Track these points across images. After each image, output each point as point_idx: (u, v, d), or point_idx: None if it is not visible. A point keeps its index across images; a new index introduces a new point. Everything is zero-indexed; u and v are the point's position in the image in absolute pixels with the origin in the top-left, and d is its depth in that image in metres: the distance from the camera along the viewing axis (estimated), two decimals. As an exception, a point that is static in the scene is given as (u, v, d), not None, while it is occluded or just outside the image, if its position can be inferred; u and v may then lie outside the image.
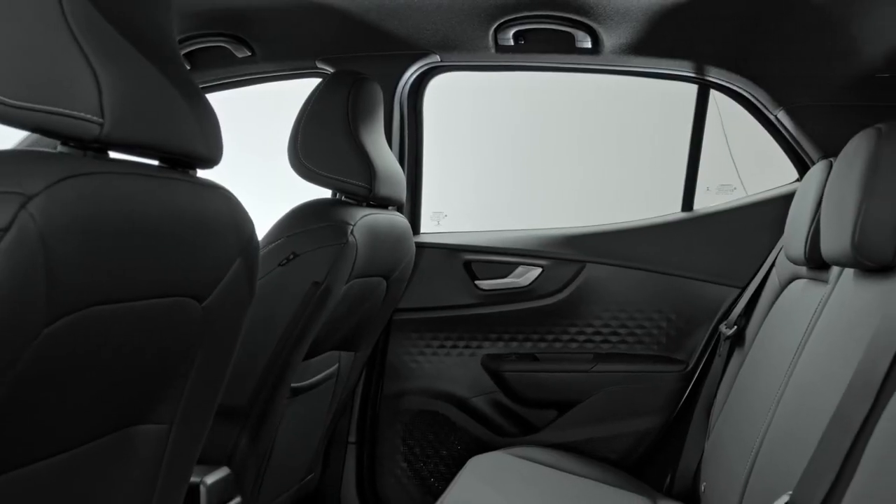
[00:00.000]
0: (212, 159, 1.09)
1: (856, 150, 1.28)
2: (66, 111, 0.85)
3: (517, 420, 2.32)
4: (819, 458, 1.09)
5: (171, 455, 1.20)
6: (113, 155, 0.96)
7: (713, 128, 2.28)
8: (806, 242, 1.57)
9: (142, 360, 1.04)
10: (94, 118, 0.86)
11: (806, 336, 1.46)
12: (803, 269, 1.70)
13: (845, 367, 1.15)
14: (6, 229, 0.74)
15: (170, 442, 1.19)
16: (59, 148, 0.91)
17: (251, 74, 2.31)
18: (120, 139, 0.89)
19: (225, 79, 2.30)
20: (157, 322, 1.02)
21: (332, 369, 1.98)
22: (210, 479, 1.47)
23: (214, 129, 1.09)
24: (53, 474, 0.99)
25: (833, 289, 1.43)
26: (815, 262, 1.56)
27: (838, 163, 1.37)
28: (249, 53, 2.18)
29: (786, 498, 1.12)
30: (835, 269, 1.47)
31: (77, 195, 0.82)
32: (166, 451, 1.19)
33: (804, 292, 1.65)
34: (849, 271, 1.37)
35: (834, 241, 1.29)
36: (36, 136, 2.19)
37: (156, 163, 1.04)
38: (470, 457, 2.04)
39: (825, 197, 1.40)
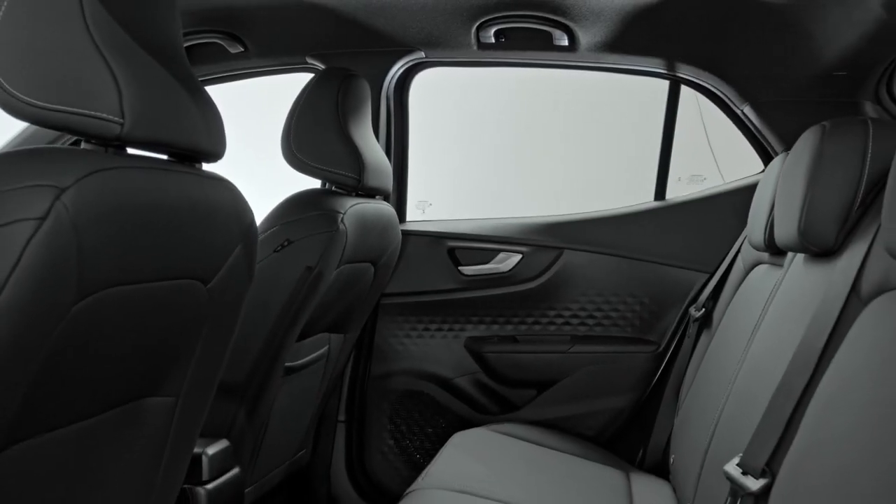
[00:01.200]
0: (216, 154, 1.19)
1: (803, 145, 1.40)
2: (91, 112, 0.95)
3: (498, 399, 2.41)
4: (766, 422, 1.21)
5: (177, 426, 1.29)
6: (129, 151, 1.06)
7: (687, 121, 2.39)
8: (765, 230, 1.68)
9: (153, 336, 1.14)
10: (116, 118, 0.96)
11: (762, 316, 1.58)
12: (765, 255, 1.81)
13: (791, 342, 1.27)
14: (44, 218, 0.83)
15: (176, 413, 1.28)
16: (83, 145, 1.01)
17: (244, 69, 2.38)
18: (138, 137, 0.99)
19: (219, 73, 2.38)
20: (168, 302, 1.12)
21: (322, 350, 2.07)
22: (211, 450, 1.56)
23: (218, 125, 1.19)
24: (74, 440, 1.09)
25: (786, 272, 1.55)
26: (773, 249, 1.67)
27: (789, 157, 1.48)
28: (242, 49, 2.25)
29: (737, 460, 1.24)
30: (790, 255, 1.59)
31: (102, 187, 0.91)
32: (173, 422, 1.28)
33: (764, 276, 1.77)
34: (800, 256, 1.49)
35: (784, 229, 1.41)
36: (32, 129, 2.29)
37: (164, 157, 1.14)
38: (454, 434, 2.15)
39: (778, 188, 1.52)
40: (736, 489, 1.20)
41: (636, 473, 2.12)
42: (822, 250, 1.32)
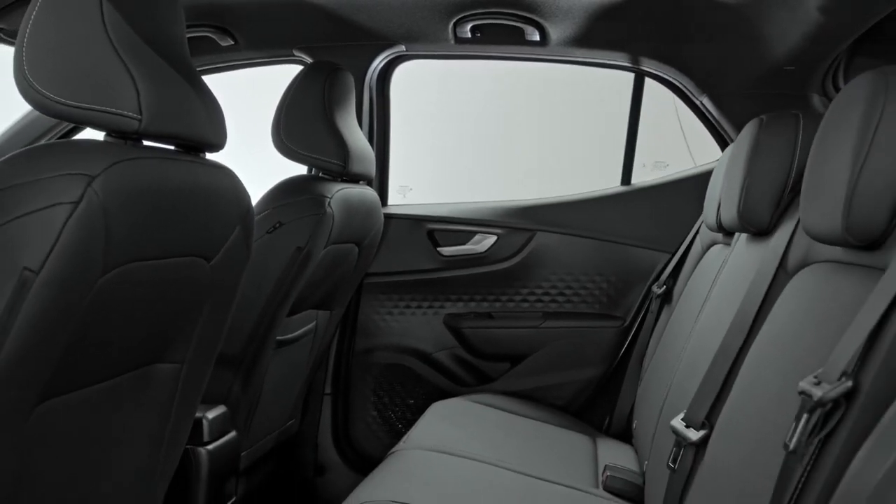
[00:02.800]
0: (218, 144, 1.32)
1: (744, 136, 1.56)
2: (113, 109, 1.08)
3: (475, 371, 2.56)
4: (706, 382, 1.37)
5: (182, 390, 1.42)
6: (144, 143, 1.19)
7: (651, 111, 2.53)
8: (717, 213, 1.84)
9: (162, 308, 1.27)
10: (134, 115, 1.09)
11: (710, 290, 1.74)
12: (719, 236, 1.96)
13: (731, 311, 1.43)
14: (78, 202, 0.97)
15: (181, 379, 1.41)
16: (105, 138, 1.14)
17: (234, 61, 2.49)
18: (153, 131, 1.13)
19: (210, 65, 2.49)
20: (176, 277, 1.26)
21: (310, 326, 2.21)
22: (211, 415, 1.70)
23: (220, 118, 1.32)
24: (94, 400, 1.22)
25: (732, 251, 1.71)
26: (724, 230, 1.84)
27: (733, 146, 1.64)
28: (233, 42, 2.37)
29: (681, 415, 1.40)
30: (736, 235, 1.75)
31: (124, 175, 1.05)
32: (178, 387, 1.42)
33: (718, 255, 1.93)
34: (743, 236, 1.66)
35: (728, 211, 1.57)
36: (32, 116, 2.40)
37: (172, 147, 1.27)
38: (433, 403, 2.29)
39: (724, 174, 1.68)
40: (680, 440, 1.36)
41: (602, 438, 2.28)
42: (758, 230, 1.48)
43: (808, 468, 0.79)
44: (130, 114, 1.09)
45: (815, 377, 0.82)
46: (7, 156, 1.02)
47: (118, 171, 1.03)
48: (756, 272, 1.37)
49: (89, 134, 1.20)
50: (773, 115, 1.51)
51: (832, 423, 0.77)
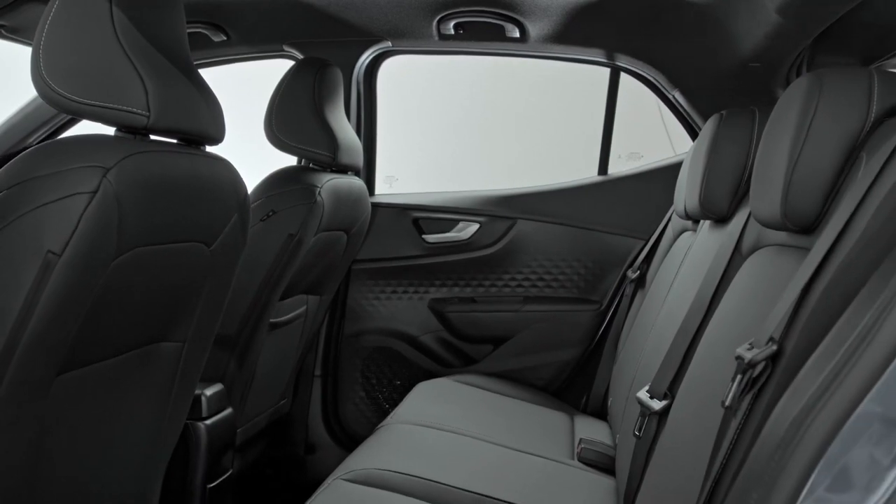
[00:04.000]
0: (217, 138, 1.42)
1: (706, 130, 1.68)
2: (124, 107, 1.18)
3: (459, 354, 2.67)
4: (668, 357, 1.49)
5: (183, 367, 1.53)
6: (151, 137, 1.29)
7: (626, 104, 2.64)
8: (685, 201, 1.96)
9: (167, 289, 1.38)
10: (143, 112, 1.20)
11: (677, 274, 1.86)
12: (689, 223, 2.08)
13: (692, 292, 1.55)
14: (95, 192, 1.07)
15: (182, 357, 1.52)
16: (115, 132, 1.24)
17: (226, 56, 2.58)
18: (159, 127, 1.23)
19: (203, 59, 2.58)
20: (179, 260, 1.36)
21: (301, 310, 2.31)
22: (209, 392, 1.80)
23: (219, 113, 1.42)
24: (106, 374, 1.32)
25: (696, 237, 1.83)
26: (691, 217, 1.95)
27: (698, 139, 1.76)
28: (225, 38, 2.46)
29: (647, 388, 1.52)
30: (701, 222, 1.87)
31: (135, 167, 1.15)
32: (180, 364, 1.52)
33: (686, 241, 2.04)
34: (706, 223, 1.78)
35: (691, 200, 1.69)
36: (35, 104, 2.48)
37: (175, 141, 1.37)
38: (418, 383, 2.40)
39: (689, 165, 1.79)
40: (644, 410, 1.48)
41: (579, 416, 2.40)
42: (718, 217, 1.60)
43: (742, 423, 0.91)
44: (139, 111, 1.19)
45: (750, 344, 0.94)
46: (27, 151, 1.12)
47: (130, 164, 1.14)
48: (714, 256, 1.49)
49: (87, 125, 1.29)
50: (731, 111, 1.63)
51: (760, 381, 0.89)
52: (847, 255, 0.87)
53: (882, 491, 0.70)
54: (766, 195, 1.14)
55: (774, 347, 0.89)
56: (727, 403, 0.91)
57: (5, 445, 1.13)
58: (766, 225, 1.17)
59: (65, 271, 1.06)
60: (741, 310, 1.26)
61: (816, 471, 0.71)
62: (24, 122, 2.56)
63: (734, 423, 0.92)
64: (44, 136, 2.60)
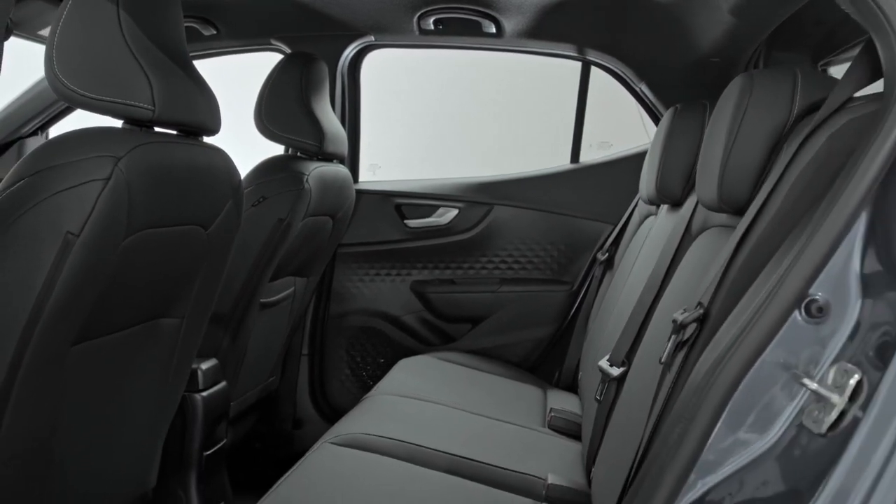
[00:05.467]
0: (214, 129, 1.54)
1: (663, 122, 1.82)
2: (130, 102, 1.30)
3: (439, 332, 2.81)
4: (626, 329, 1.64)
5: (182, 342, 1.65)
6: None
7: (598, 96, 2.77)
8: (646, 188, 2.10)
9: (168, 269, 1.50)
10: (148, 106, 1.32)
11: (638, 255, 2.01)
12: (653, 208, 2.22)
13: (649, 270, 1.70)
14: (108, 179, 1.20)
15: (181, 332, 1.64)
16: (123, 125, 1.37)
17: (216, 49, 2.69)
18: (163, 120, 1.35)
19: (193, 52, 2.68)
20: (179, 242, 1.48)
21: (289, 291, 2.44)
22: (205, 366, 1.92)
23: (215, 107, 1.54)
24: (115, 345, 1.44)
25: (656, 220, 1.98)
26: (653, 203, 2.10)
27: (656, 131, 1.90)
28: (215, 32, 2.57)
29: (607, 356, 1.67)
30: (661, 206, 2.02)
31: (142, 156, 1.28)
32: (179, 339, 1.64)
33: (650, 225, 2.19)
34: (664, 207, 1.92)
35: (649, 186, 1.83)
36: (38, 89, 2.59)
37: (175, 133, 1.48)
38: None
39: (648, 154, 1.94)
40: (605, 377, 1.63)
41: (552, 390, 2.55)
42: (673, 202, 1.75)
43: (676, 376, 1.06)
44: (145, 105, 1.31)
45: (684, 309, 1.09)
46: (45, 143, 1.24)
47: (138, 153, 1.26)
48: (668, 237, 1.64)
49: (80, 116, 1.40)
50: (685, 105, 1.77)
51: (690, 340, 1.04)
52: (763, 232, 1.02)
53: (779, 426, 0.85)
54: (707, 181, 1.29)
55: (702, 311, 1.04)
56: (663, 360, 1.06)
57: (29, 412, 1.25)
58: (708, 208, 1.32)
59: (82, 251, 1.19)
60: (688, 284, 1.41)
61: (727, 409, 0.86)
62: (18, 112, 2.67)
63: (669, 377, 1.07)
64: (38, 125, 2.71)
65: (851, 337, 0.83)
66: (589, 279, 2.71)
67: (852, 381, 0.78)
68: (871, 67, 1.01)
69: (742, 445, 0.85)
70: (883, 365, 0.77)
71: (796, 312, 0.84)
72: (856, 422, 0.76)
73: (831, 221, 0.84)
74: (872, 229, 0.84)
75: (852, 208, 0.84)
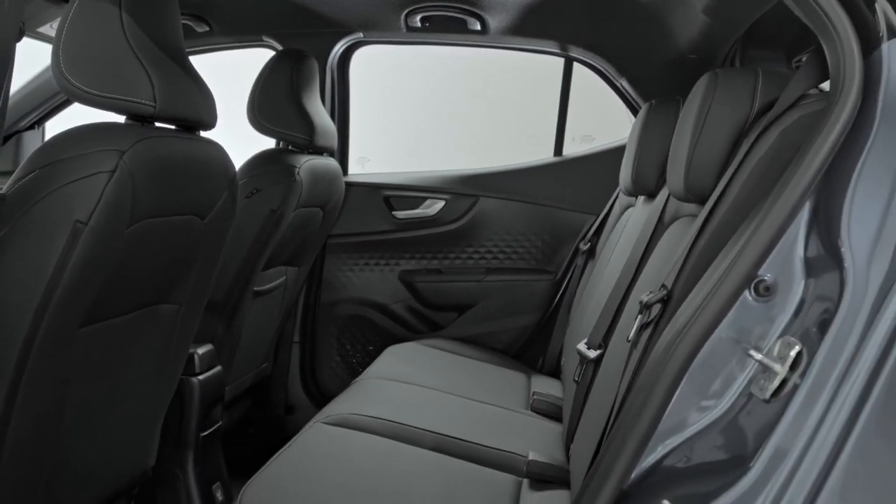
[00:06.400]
0: (211, 124, 1.62)
1: (639, 117, 1.91)
2: (133, 99, 1.38)
3: (426, 320, 2.88)
4: (603, 313, 1.72)
5: (180, 327, 1.72)
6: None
7: (582, 91, 2.85)
8: (625, 180, 2.19)
9: (167, 256, 1.57)
10: (150, 103, 1.39)
11: (617, 243, 2.10)
12: (634, 199, 2.31)
13: (625, 258, 1.79)
14: (114, 171, 1.27)
15: (179, 317, 1.71)
16: (125, 121, 1.44)
17: (209, 45, 2.76)
18: (163, 115, 1.43)
19: (186, 49, 2.74)
20: (178, 231, 1.55)
21: (281, 280, 2.52)
22: (201, 351, 1.99)
23: (212, 102, 1.61)
24: (118, 329, 1.51)
25: (634, 210, 2.07)
26: (631, 194, 2.19)
27: (633, 125, 1.99)
28: (208, 29, 2.64)
29: (585, 339, 1.75)
30: (639, 197, 2.11)
31: (145, 150, 1.35)
32: (177, 324, 1.71)
33: (629, 215, 2.28)
34: (641, 198, 2.01)
35: (625, 178, 1.92)
36: (42, 79, 2.65)
37: (173, 127, 1.56)
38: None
39: (626, 148, 2.03)
40: (583, 359, 1.72)
41: (536, 375, 2.64)
42: (647, 193, 1.84)
43: (641, 354, 1.15)
44: (147, 102, 1.39)
45: (650, 291, 1.18)
46: (53, 137, 1.31)
47: (141, 147, 1.33)
48: (643, 226, 1.73)
49: (76, 111, 1.45)
50: (660, 100, 1.86)
51: (655, 319, 1.13)
52: (721, 219, 1.11)
53: (731, 394, 0.94)
54: (675, 173, 1.37)
55: (665, 293, 1.13)
56: (630, 339, 1.15)
57: (38, 391, 1.32)
58: (677, 198, 1.41)
59: (90, 238, 1.26)
60: (658, 270, 1.50)
61: (683, 380, 0.95)
62: (16, 106, 2.72)
63: (635, 354, 1.16)
64: (34, 120, 2.77)
65: (796, 313, 0.92)
66: (572, 268, 2.79)
67: (793, 353, 0.87)
68: (820, 69, 1.10)
69: (698, 412, 0.95)
70: (821, 337, 0.86)
71: (746, 292, 0.93)
72: (795, 388, 0.85)
73: (779, 209, 0.93)
74: (815, 216, 0.93)
75: (797, 197, 0.92)
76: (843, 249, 0.86)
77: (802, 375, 0.85)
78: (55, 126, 2.82)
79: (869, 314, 0.83)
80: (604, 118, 2.90)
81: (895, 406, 0.81)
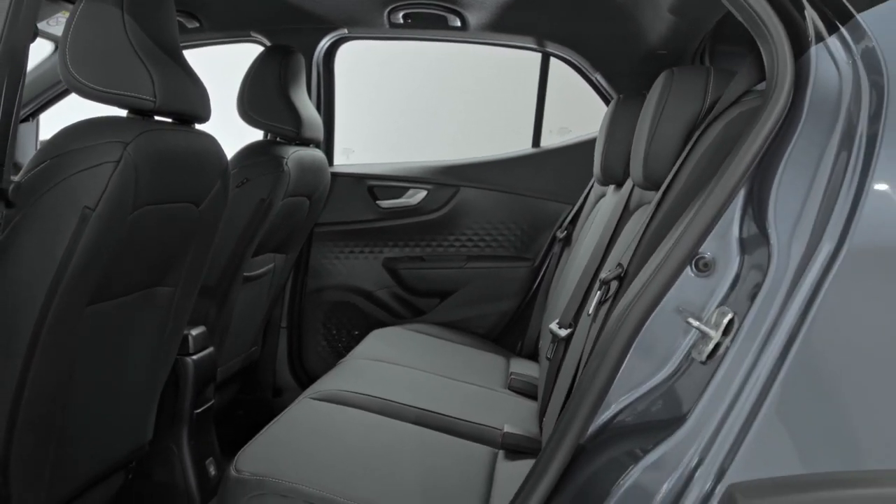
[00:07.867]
0: (205, 117, 1.72)
1: (608, 110, 2.03)
2: (134, 94, 1.48)
3: (410, 306, 2.99)
4: (573, 295, 1.84)
5: (175, 309, 1.82)
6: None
7: (557, 84, 2.96)
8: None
9: (165, 241, 1.67)
10: (150, 98, 1.49)
11: (588, 230, 2.22)
12: (606, 189, 2.43)
13: (594, 243, 1.91)
14: (119, 161, 1.37)
15: (175, 300, 1.81)
16: (127, 114, 1.54)
17: (198, 41, 2.84)
18: (163, 110, 1.53)
19: (177, 43, 2.84)
20: (175, 218, 1.65)
21: (269, 266, 2.61)
22: (194, 332, 2.08)
23: (206, 97, 1.71)
24: (119, 310, 1.61)
25: (605, 199, 2.19)
26: (602, 183, 2.31)
27: (603, 117, 2.11)
28: (198, 25, 2.73)
29: (557, 320, 1.87)
30: (610, 187, 2.23)
31: (146, 141, 1.45)
32: (173, 306, 1.81)
33: (601, 204, 2.40)
34: (611, 186, 2.13)
35: (596, 169, 2.04)
36: (46, 66, 2.72)
37: (170, 121, 1.66)
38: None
39: (598, 140, 2.15)
40: (554, 338, 1.83)
41: (515, 358, 2.75)
42: (616, 182, 1.96)
43: (600, 326, 1.27)
44: (148, 97, 1.49)
45: (609, 270, 1.30)
46: (62, 129, 1.41)
47: (143, 139, 1.44)
48: (611, 214, 1.85)
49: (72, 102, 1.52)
50: (626, 95, 1.98)
51: (612, 295, 1.25)
52: (671, 204, 1.23)
53: (674, 359, 1.06)
54: (636, 163, 1.49)
55: (621, 270, 1.25)
56: (589, 313, 1.27)
57: (48, 367, 1.42)
58: (638, 186, 1.53)
59: (97, 223, 1.36)
60: (623, 253, 1.62)
61: (633, 347, 1.07)
62: (40, 80, 2.80)
63: (595, 327, 1.28)
64: (29, 112, 2.85)
65: (732, 286, 1.04)
66: (549, 256, 2.90)
67: (726, 320, 0.99)
68: (759, 69, 1.22)
69: (646, 375, 1.07)
70: (750, 305, 0.98)
71: (688, 268, 1.05)
72: (726, 350, 0.97)
73: (717, 194, 1.05)
74: (749, 200, 1.05)
75: (734, 183, 1.04)
76: (769, 230, 0.98)
77: (733, 339, 0.97)
78: (49, 118, 2.91)
79: (789, 285, 0.95)
80: (580, 112, 3.00)
81: (810, 365, 0.93)
